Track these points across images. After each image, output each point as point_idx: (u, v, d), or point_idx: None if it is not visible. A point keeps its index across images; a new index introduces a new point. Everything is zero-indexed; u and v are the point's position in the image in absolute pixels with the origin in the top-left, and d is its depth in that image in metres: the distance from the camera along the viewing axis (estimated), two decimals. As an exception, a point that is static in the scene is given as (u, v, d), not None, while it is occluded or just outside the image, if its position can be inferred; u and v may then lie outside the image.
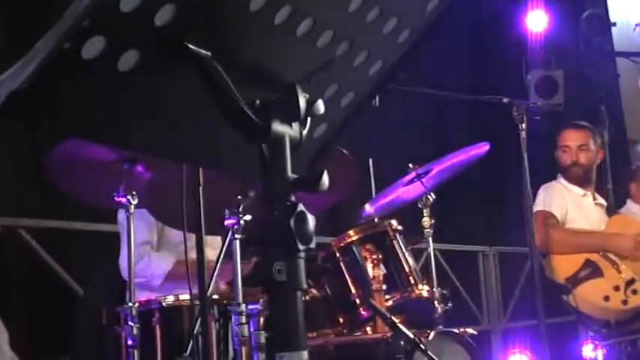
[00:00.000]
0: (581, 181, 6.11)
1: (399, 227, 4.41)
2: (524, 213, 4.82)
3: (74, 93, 1.33)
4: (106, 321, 3.86)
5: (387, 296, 4.18)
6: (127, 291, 3.65)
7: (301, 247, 1.51)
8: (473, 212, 8.92)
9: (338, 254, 4.23)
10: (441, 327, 4.26)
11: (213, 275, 3.48)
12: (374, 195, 5.29)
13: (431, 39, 1.86)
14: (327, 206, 3.95)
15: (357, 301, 4.14)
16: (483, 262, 9.02)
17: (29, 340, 4.74)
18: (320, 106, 1.63)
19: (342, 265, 4.21)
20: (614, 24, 10.12)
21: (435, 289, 4.40)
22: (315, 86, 1.66)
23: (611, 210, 6.34)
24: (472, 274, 8.90)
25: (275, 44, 1.57)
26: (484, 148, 4.61)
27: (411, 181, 4.62)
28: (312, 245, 1.53)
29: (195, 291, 3.13)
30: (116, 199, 3.57)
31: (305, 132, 1.62)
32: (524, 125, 4.76)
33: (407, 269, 4.31)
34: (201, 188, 3.01)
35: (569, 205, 5.95)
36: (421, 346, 3.60)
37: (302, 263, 1.53)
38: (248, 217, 3.39)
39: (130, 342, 3.42)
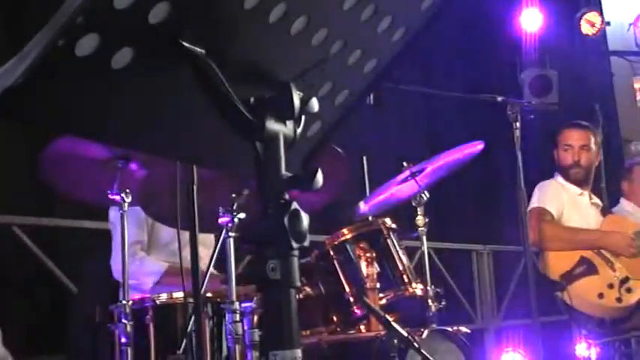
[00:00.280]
0: (580, 182, 6.11)
1: (393, 226, 4.41)
2: (518, 212, 4.83)
3: (68, 90, 1.32)
4: (100, 319, 3.86)
5: (381, 294, 4.18)
6: (120, 289, 3.65)
7: (295, 245, 1.51)
8: (467, 211, 8.93)
9: (332, 252, 4.22)
10: (434, 325, 4.26)
11: (206, 274, 3.48)
12: (368, 193, 5.29)
13: (425, 37, 1.86)
14: (320, 204, 3.94)
15: (351, 299, 4.14)
16: (477, 261, 9.03)
17: (23, 337, 4.74)
18: (314, 104, 1.63)
19: (336, 263, 4.20)
20: (609, 23, 10.13)
21: (428, 288, 4.41)
22: (309, 84, 1.66)
23: (606, 210, 6.34)
24: (466, 273, 8.91)
25: (269, 42, 1.57)
26: (478, 146, 4.62)
27: (405, 180, 4.63)
28: (306, 243, 1.53)
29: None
30: (110, 196, 3.57)
31: (299, 130, 1.62)
32: (518, 124, 4.76)
33: (401, 267, 4.31)
34: (195, 186, 3.01)
35: (565, 203, 5.95)
36: (415, 344, 3.60)
37: (296, 261, 1.53)
38: (242, 215, 3.38)
39: (123, 340, 3.42)
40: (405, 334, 3.61)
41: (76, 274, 5.12)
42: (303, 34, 1.59)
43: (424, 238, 4.66)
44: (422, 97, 7.83)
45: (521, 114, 4.80)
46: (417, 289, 4.32)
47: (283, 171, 1.56)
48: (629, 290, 5.50)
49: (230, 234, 3.38)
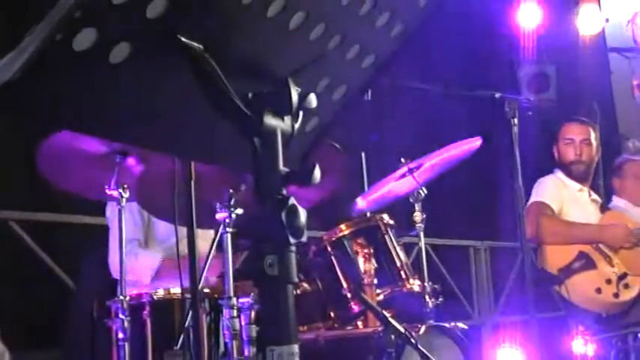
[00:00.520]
0: (581, 177, 6.11)
1: (391, 222, 4.41)
2: (516, 208, 4.83)
3: (65, 85, 1.32)
4: (97, 314, 3.85)
5: (378, 290, 4.18)
6: (117, 284, 3.64)
7: (293, 240, 1.51)
8: (464, 207, 8.92)
9: (329, 248, 4.23)
10: (431, 321, 4.26)
11: (204, 268, 3.47)
12: (366, 189, 5.29)
13: (424, 33, 1.86)
14: (318, 200, 3.94)
15: (349, 295, 4.14)
16: (474, 257, 9.03)
17: (20, 333, 4.73)
18: (312, 99, 1.63)
19: (333, 259, 4.21)
20: (607, 20, 10.13)
21: (426, 284, 4.40)
22: (307, 80, 1.66)
23: (604, 207, 6.34)
24: (463, 269, 8.91)
25: (267, 37, 1.56)
26: (476, 142, 4.62)
27: (403, 176, 4.62)
28: (304, 239, 1.53)
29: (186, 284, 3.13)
30: (107, 191, 3.56)
31: (297, 125, 1.62)
32: (516, 120, 4.76)
33: (398, 264, 4.31)
34: (192, 181, 3.01)
35: (565, 199, 5.95)
36: (412, 340, 3.61)
37: (293, 257, 1.53)
38: (240, 211, 3.38)
39: (120, 335, 3.42)
40: (403, 330, 3.62)
41: (74, 270, 5.12)
42: (302, 29, 1.59)
43: (422, 234, 4.66)
44: (420, 93, 7.82)
45: (519, 110, 4.80)
46: (415, 285, 4.32)
47: (281, 166, 1.56)
48: (626, 286, 5.51)
49: (228, 229, 3.38)
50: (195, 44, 1.43)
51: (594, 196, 6.23)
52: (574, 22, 9.69)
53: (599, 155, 6.52)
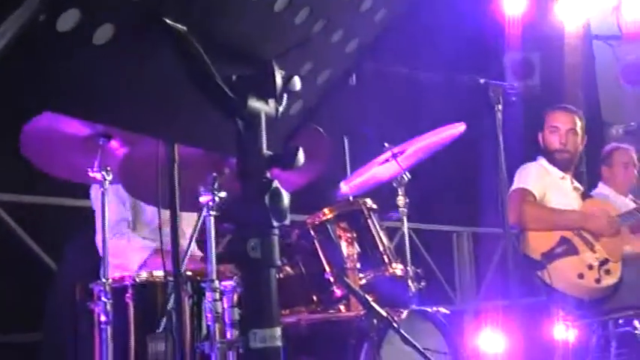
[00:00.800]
0: (564, 166, 6.12)
1: (374, 206, 4.42)
2: (499, 194, 4.84)
3: (49, 66, 1.32)
4: (80, 297, 3.85)
5: (361, 275, 4.19)
6: (101, 267, 3.64)
7: (275, 223, 1.51)
8: (447, 192, 8.94)
9: (312, 232, 4.23)
10: (414, 306, 4.27)
11: (186, 252, 3.48)
12: (349, 174, 5.29)
13: (408, 18, 1.86)
14: (301, 183, 3.95)
15: (331, 279, 4.14)
16: (457, 242, 9.06)
17: (1, 316, 4.73)
18: (296, 82, 1.63)
19: (316, 243, 4.21)
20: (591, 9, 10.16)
21: (408, 268, 4.41)
22: (291, 63, 1.66)
23: (586, 195, 6.35)
24: (446, 254, 8.94)
25: (252, 20, 1.56)
26: (460, 128, 4.62)
27: (387, 161, 4.63)
28: (287, 222, 1.54)
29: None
30: (91, 174, 3.55)
31: (281, 109, 1.62)
32: (500, 106, 4.77)
33: (381, 248, 4.32)
34: (176, 164, 3.00)
35: (547, 186, 5.95)
36: (394, 324, 3.62)
37: (276, 240, 1.53)
38: (223, 194, 3.38)
39: (103, 318, 3.42)
40: (385, 315, 3.63)
41: (57, 253, 5.11)
42: (286, 12, 1.59)
43: (405, 218, 4.67)
44: (404, 78, 7.82)
45: (504, 96, 4.80)
46: (397, 269, 4.33)
47: (264, 149, 1.56)
48: (607, 272, 5.53)
49: (211, 213, 3.38)
50: (180, 26, 1.42)
51: (576, 184, 6.24)
52: (558, 9, 9.71)
53: (584, 144, 6.53)
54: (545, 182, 5.96)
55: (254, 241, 1.50)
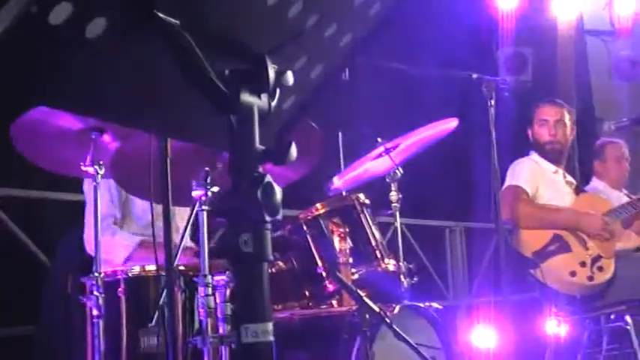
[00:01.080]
0: (556, 158, 6.12)
1: (367, 201, 4.42)
2: (492, 189, 4.84)
3: (41, 59, 1.31)
4: (72, 291, 3.85)
5: (354, 270, 4.19)
6: (92, 261, 3.63)
7: (268, 218, 1.51)
8: (440, 187, 8.94)
9: (305, 227, 4.23)
10: (406, 301, 4.27)
11: (179, 247, 3.47)
12: (342, 168, 5.29)
13: (402, 13, 1.86)
14: (293, 178, 3.94)
15: (324, 274, 4.15)
16: (450, 238, 9.07)
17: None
18: (289, 77, 1.62)
19: (308, 238, 4.21)
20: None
21: (401, 264, 4.42)
22: (284, 58, 1.65)
23: (579, 189, 6.36)
24: (439, 249, 8.95)
25: (245, 14, 1.56)
26: (452, 123, 4.62)
27: (380, 156, 4.63)
28: (279, 217, 1.53)
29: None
30: (83, 168, 3.55)
31: (274, 103, 1.61)
32: (493, 101, 4.77)
33: (373, 243, 4.32)
34: (169, 159, 3.00)
35: (540, 181, 5.95)
36: (386, 319, 3.62)
37: (268, 235, 1.53)
38: (215, 189, 3.38)
39: (95, 312, 3.42)
40: (377, 310, 3.63)
41: (49, 247, 5.10)
42: (280, 6, 1.58)
43: (397, 214, 4.67)
44: (397, 73, 7.82)
45: (496, 91, 4.81)
46: (390, 264, 4.33)
47: (257, 144, 1.55)
48: (600, 269, 5.53)
49: (203, 207, 3.38)
50: (173, 20, 1.42)
51: (569, 177, 6.24)
52: (552, 4, 9.71)
53: (574, 137, 6.54)
54: (537, 177, 5.96)
55: (246, 235, 1.50)
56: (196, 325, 3.45)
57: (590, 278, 5.51)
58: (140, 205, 4.29)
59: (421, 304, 4.15)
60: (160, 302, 3.37)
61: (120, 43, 1.39)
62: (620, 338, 5.64)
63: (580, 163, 8.21)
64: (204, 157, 3.46)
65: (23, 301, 4.81)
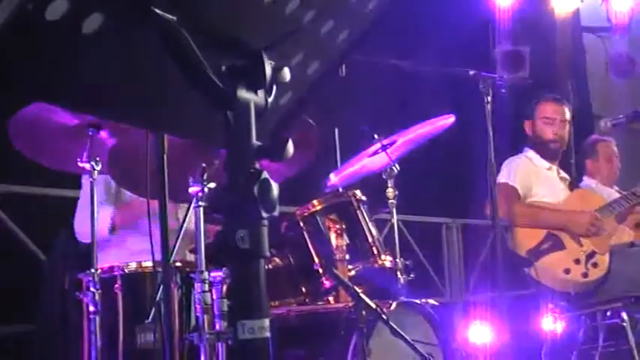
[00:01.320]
0: (554, 155, 6.12)
1: (363, 198, 4.42)
2: (489, 186, 4.84)
3: (38, 55, 1.31)
4: (68, 287, 3.85)
5: (350, 266, 4.19)
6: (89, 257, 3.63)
7: (264, 214, 1.51)
8: (437, 184, 8.94)
9: (302, 224, 4.23)
10: (403, 298, 4.27)
11: (176, 242, 3.47)
12: (339, 165, 5.29)
13: (399, 9, 1.86)
14: (290, 174, 3.94)
15: (320, 270, 4.15)
16: (446, 234, 9.07)
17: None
18: (286, 73, 1.62)
19: (305, 234, 4.21)
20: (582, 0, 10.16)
21: (397, 260, 4.41)
22: (281, 54, 1.65)
23: (573, 184, 6.36)
24: (435, 246, 8.95)
25: (242, 10, 1.56)
26: (449, 119, 4.62)
27: (377, 152, 4.63)
28: (276, 213, 1.53)
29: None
30: (80, 164, 3.55)
31: (270, 99, 1.61)
32: (490, 98, 4.77)
33: (370, 239, 4.32)
34: (165, 155, 2.99)
35: (533, 178, 5.95)
36: (383, 316, 3.62)
37: (265, 231, 1.53)
38: (212, 185, 3.38)
39: (92, 308, 3.42)
40: (374, 306, 3.63)
41: (46, 243, 5.10)
42: (277, 2, 1.58)
43: (394, 210, 4.67)
44: (394, 70, 7.82)
45: (493, 88, 4.81)
46: (386, 261, 4.33)
47: (254, 140, 1.55)
48: (595, 265, 5.54)
49: (200, 203, 3.38)
50: (169, 16, 1.42)
51: (563, 173, 6.24)
52: (549, 1, 9.71)
53: (571, 133, 6.54)
54: (531, 176, 5.96)
55: (243, 232, 1.50)
56: (193, 321, 3.45)
57: (585, 275, 5.51)
58: (135, 197, 4.27)
59: (418, 301, 4.14)
60: (157, 298, 3.37)
61: (117, 39, 1.39)
62: (616, 335, 5.63)
63: (576, 160, 8.20)
64: (201, 154, 3.46)
65: (19, 298, 4.80)
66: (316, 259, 4.17)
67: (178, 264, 3.56)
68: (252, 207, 1.49)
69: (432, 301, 4.24)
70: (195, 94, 1.52)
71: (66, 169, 3.85)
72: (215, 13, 1.52)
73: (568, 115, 6.15)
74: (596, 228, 5.64)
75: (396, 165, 4.64)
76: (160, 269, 3.41)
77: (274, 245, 4.16)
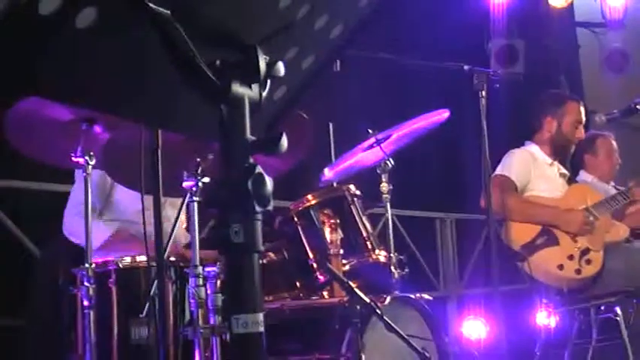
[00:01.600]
0: (560, 153, 6.11)
1: (357, 192, 4.42)
2: (483, 180, 4.85)
3: (31, 49, 1.31)
4: (62, 282, 3.84)
5: (344, 261, 4.19)
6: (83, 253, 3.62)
7: (259, 209, 1.51)
8: (431, 178, 8.94)
9: (296, 218, 4.23)
10: (397, 292, 4.28)
11: (170, 237, 3.46)
12: (333, 159, 5.29)
13: (393, 4, 1.86)
14: (284, 169, 3.94)
15: (315, 265, 4.15)
16: (441, 229, 9.07)
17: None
18: (280, 68, 1.62)
19: (299, 229, 4.22)
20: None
21: (392, 255, 4.42)
22: (275, 48, 1.65)
23: (571, 180, 6.34)
24: (429, 241, 8.95)
25: (236, 4, 1.56)
26: (444, 114, 4.62)
27: (371, 147, 4.63)
28: (270, 208, 1.53)
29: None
30: (73, 159, 3.54)
31: (265, 94, 1.61)
32: (484, 93, 4.77)
33: (364, 234, 4.33)
34: (159, 149, 2.99)
35: (533, 173, 5.93)
36: (377, 311, 3.62)
37: (259, 225, 1.53)
38: (206, 180, 3.37)
39: (85, 303, 3.41)
40: (368, 301, 3.63)
41: (39, 238, 5.09)
42: (271, -4, 1.58)
43: (388, 205, 4.67)
44: (388, 64, 7.81)
45: (488, 83, 4.81)
46: (381, 255, 4.33)
47: (248, 135, 1.55)
48: (588, 262, 5.53)
49: (194, 198, 3.37)
50: (163, 10, 1.41)
51: (563, 169, 6.22)
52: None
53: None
54: (530, 170, 5.94)
55: (237, 226, 1.50)
56: (187, 316, 3.45)
57: (578, 271, 5.50)
58: (125, 199, 4.26)
59: (412, 295, 4.15)
60: (151, 293, 3.37)
61: (111, 33, 1.39)
62: (609, 329, 5.65)
63: (572, 155, 8.20)
64: (196, 148, 3.45)
65: (13, 292, 4.80)
66: (310, 254, 4.17)
67: (172, 259, 3.56)
68: (246, 201, 1.49)
69: (426, 296, 4.24)
70: (189, 88, 1.51)
71: (60, 164, 3.84)
72: (209, 8, 1.51)
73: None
74: (588, 227, 5.64)
75: (390, 160, 4.64)
76: (154, 264, 3.40)
77: (268, 240, 4.16)
